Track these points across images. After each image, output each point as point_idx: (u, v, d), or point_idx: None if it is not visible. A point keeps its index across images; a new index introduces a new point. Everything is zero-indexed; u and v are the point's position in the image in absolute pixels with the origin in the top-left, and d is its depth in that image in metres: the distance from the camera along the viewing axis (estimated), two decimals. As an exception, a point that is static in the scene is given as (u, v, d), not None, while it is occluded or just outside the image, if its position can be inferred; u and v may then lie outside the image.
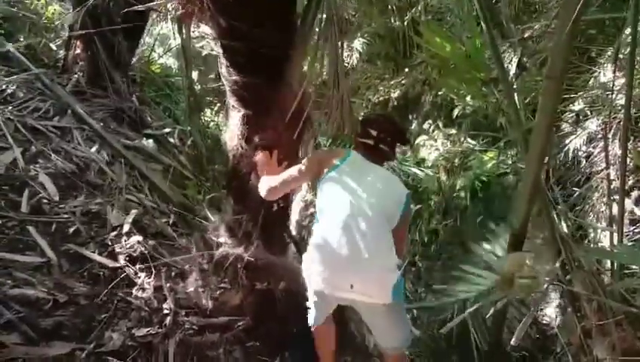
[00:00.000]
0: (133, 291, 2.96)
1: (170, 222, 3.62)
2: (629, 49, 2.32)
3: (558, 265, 1.94)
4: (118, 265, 3.06)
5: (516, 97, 2.64)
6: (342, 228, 2.27)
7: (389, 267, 2.24)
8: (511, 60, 4.34)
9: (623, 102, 3.35)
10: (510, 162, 5.63)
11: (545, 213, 2.05)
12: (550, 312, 4.53)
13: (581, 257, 1.85)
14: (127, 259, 3.13)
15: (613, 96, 3.98)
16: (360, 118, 2.77)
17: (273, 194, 2.64)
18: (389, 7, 6.72)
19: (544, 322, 4.58)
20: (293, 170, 2.58)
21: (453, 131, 6.55)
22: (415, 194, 6.32)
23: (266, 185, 2.65)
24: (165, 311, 2.90)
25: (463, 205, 6.16)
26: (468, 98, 5.87)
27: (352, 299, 2.34)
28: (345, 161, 2.46)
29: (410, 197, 2.44)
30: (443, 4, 6.65)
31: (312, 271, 2.37)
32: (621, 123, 2.97)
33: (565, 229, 2.13)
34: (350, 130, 2.66)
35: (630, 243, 3.64)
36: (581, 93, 4.81)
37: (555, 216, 2.09)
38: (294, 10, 2.95)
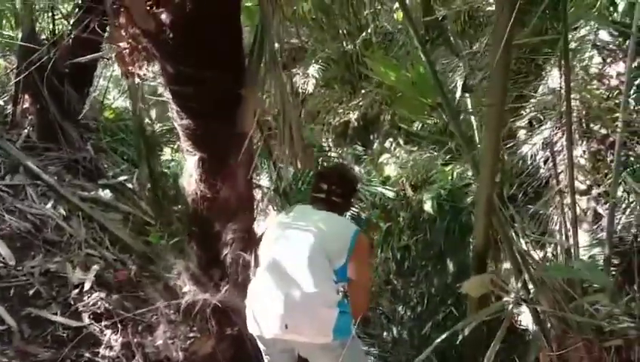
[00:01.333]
0: (100, 350, 2.89)
1: (133, 273, 3.53)
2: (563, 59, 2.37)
3: (520, 285, 1.96)
4: (82, 324, 2.99)
5: (472, 118, 2.69)
6: (274, 268, 2.30)
7: (328, 303, 2.20)
8: (456, 84, 4.41)
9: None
10: (470, 173, 5.69)
11: (502, 232, 2.07)
12: (526, 319, 4.55)
13: (541, 275, 1.87)
14: (92, 317, 3.05)
15: (562, 101, 4.09)
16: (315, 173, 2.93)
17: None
18: (340, 31, 6.81)
19: (521, 328, 4.59)
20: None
21: (415, 148, 6.62)
22: (383, 212, 6.36)
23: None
24: (135, 368, 2.82)
25: (431, 218, 6.21)
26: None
27: (288, 339, 2.26)
28: (290, 211, 2.63)
29: (358, 233, 2.44)
30: (392, 25, 6.77)
31: (249, 317, 2.34)
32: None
33: (524, 246, 2.16)
34: (303, 164, 2.68)
35: (594, 242, 3.69)
36: (532, 100, 4.92)
37: (513, 234, 2.12)
38: (241, 49, 2.95)
